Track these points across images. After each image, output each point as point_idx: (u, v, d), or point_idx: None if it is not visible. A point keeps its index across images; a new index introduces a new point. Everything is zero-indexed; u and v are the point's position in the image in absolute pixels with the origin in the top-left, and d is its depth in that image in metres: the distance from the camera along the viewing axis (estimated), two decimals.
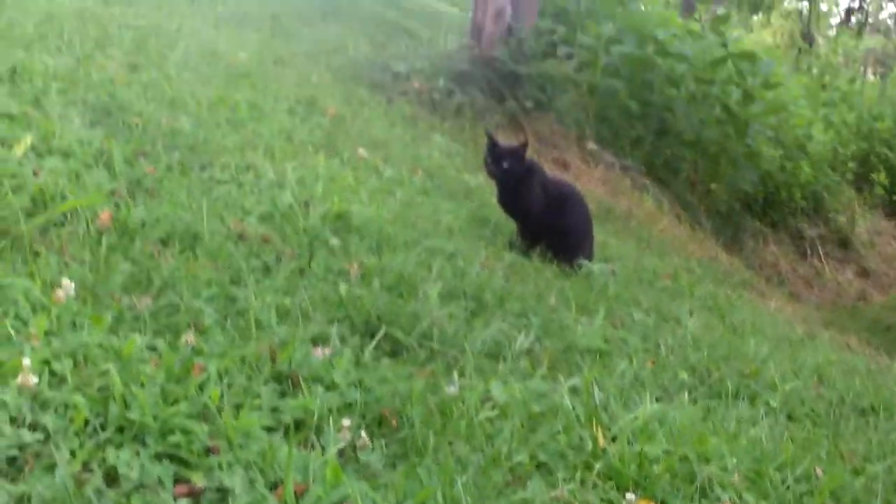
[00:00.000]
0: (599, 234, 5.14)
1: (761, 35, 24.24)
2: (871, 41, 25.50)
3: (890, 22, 28.01)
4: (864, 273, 10.62)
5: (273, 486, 1.72)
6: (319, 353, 2.31)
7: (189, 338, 2.11)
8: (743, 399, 3.09)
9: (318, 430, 1.98)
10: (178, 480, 1.67)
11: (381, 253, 3.33)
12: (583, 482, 2.07)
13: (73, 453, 1.61)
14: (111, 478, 1.61)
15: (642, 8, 9.70)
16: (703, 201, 8.98)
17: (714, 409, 2.85)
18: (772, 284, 8.27)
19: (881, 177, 12.67)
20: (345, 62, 7.46)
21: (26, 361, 1.69)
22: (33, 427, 1.62)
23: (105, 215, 2.59)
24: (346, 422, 2.01)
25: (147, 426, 1.74)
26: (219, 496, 1.67)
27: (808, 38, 20.07)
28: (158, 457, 1.70)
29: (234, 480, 1.70)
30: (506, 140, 5.91)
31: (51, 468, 1.57)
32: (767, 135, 10.00)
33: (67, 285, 2.04)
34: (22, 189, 2.54)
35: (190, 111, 4.02)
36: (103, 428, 1.69)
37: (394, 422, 2.11)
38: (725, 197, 9.31)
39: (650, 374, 3.03)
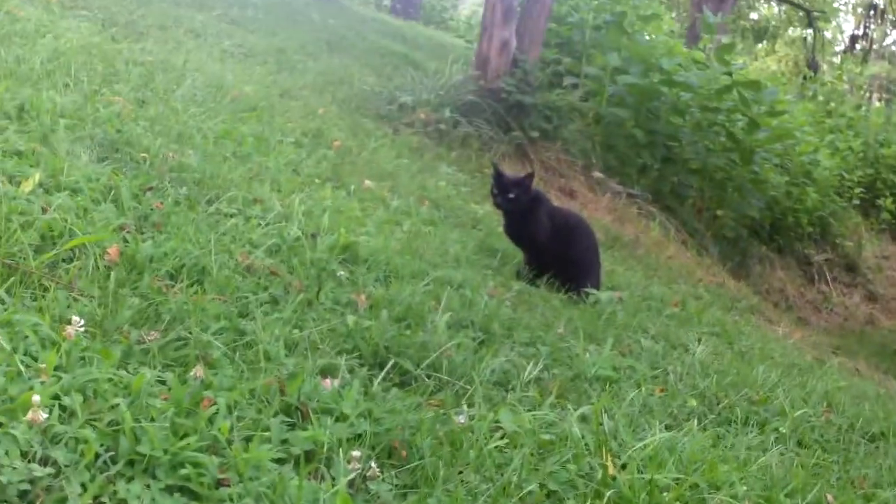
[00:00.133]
0: (607, 262, 5.16)
1: (766, 63, 24.35)
2: (875, 67, 25.57)
3: (895, 48, 28.11)
4: (871, 297, 10.60)
5: None
6: (328, 384, 2.32)
7: (198, 371, 2.12)
8: (752, 426, 3.08)
9: (328, 462, 1.99)
10: None
11: (388, 284, 3.35)
12: None
13: (84, 487, 1.62)
14: None
15: (647, 38, 9.75)
16: (710, 228, 8.99)
17: (724, 437, 2.84)
18: (779, 310, 8.26)
19: (888, 202, 12.68)
20: (350, 94, 7.52)
21: (36, 398, 1.70)
22: (44, 461, 1.63)
23: (113, 250, 2.61)
24: (355, 453, 2.01)
25: (157, 459, 1.75)
26: None
27: (813, 65, 20.13)
28: (169, 490, 1.70)
29: None
30: (512, 170, 5.95)
31: (62, 502, 1.58)
32: (773, 161, 10.02)
33: (77, 321, 2.05)
34: (30, 225, 2.56)
35: (196, 145, 4.05)
36: (114, 462, 1.70)
37: (403, 452, 2.12)
38: (732, 223, 9.32)
39: (659, 402, 3.03)
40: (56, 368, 1.90)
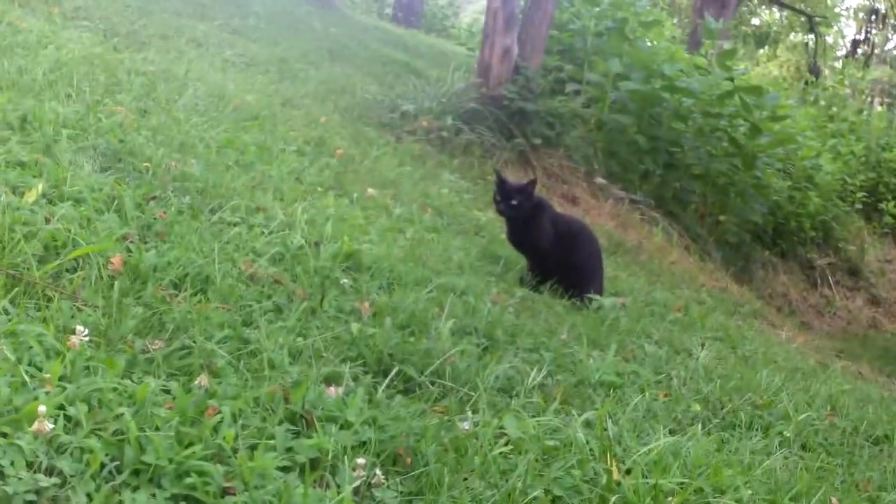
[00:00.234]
0: (609, 268, 5.16)
1: (768, 68, 24.36)
2: (877, 72, 25.59)
3: None
4: (874, 301, 10.60)
5: None
6: (333, 392, 2.32)
7: (203, 380, 2.13)
8: (756, 430, 3.08)
9: (333, 469, 1.99)
10: None
11: (392, 291, 3.35)
12: None
13: (89, 497, 1.62)
14: None
15: (649, 44, 9.77)
16: (713, 233, 8.99)
17: (728, 441, 2.84)
18: (782, 314, 8.26)
19: (890, 206, 12.68)
20: (353, 102, 7.53)
21: (42, 408, 1.70)
22: (49, 471, 1.64)
23: (117, 260, 2.61)
24: (360, 460, 2.01)
25: (162, 469, 1.75)
26: None
27: (815, 70, 20.14)
28: (175, 499, 1.71)
29: None
30: (515, 177, 5.95)
31: None
32: (775, 166, 10.03)
33: (81, 331, 2.05)
34: (34, 236, 2.57)
35: (199, 154, 4.06)
36: (119, 471, 1.71)
37: (408, 459, 2.12)
38: (735, 228, 9.32)
39: (663, 407, 3.03)
40: (61, 378, 1.90)
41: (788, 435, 3.09)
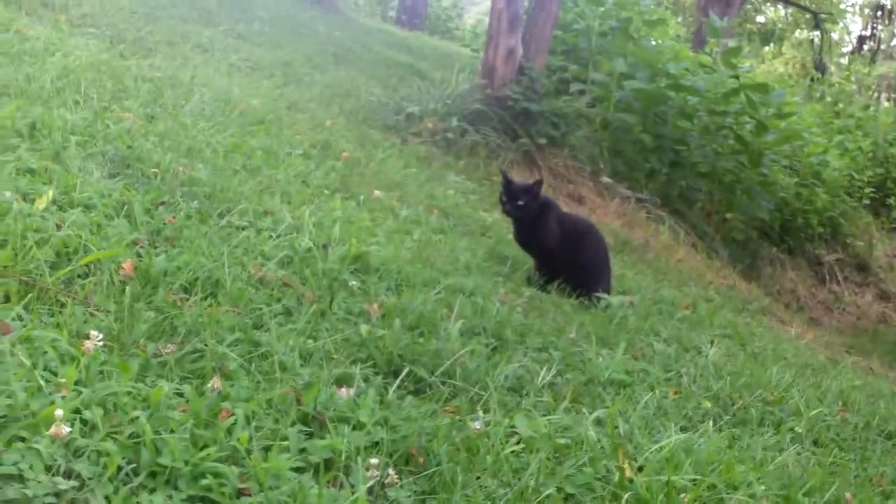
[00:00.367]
0: (617, 267, 5.17)
1: (773, 65, 24.34)
2: (883, 68, 25.56)
3: None
4: (883, 296, 10.59)
5: None
6: (344, 393, 2.34)
7: (215, 383, 2.14)
8: (768, 426, 3.09)
9: (347, 470, 2.01)
10: None
11: (400, 293, 3.37)
12: None
13: (107, 499, 1.64)
14: None
15: (654, 43, 9.78)
16: (720, 230, 8.99)
17: (739, 437, 2.85)
18: (791, 311, 8.26)
19: None
20: (357, 105, 7.55)
21: (59, 412, 1.72)
22: (68, 475, 1.65)
23: (128, 265, 2.63)
24: (373, 460, 2.03)
25: (178, 471, 1.77)
26: None
27: (821, 66, 20.13)
28: (191, 500, 1.73)
29: None
30: (521, 177, 5.96)
31: None
32: (782, 163, 10.03)
33: (95, 336, 2.07)
34: (46, 242, 2.59)
35: (206, 159, 4.08)
36: (136, 474, 1.72)
37: (420, 459, 2.13)
38: (742, 225, 9.32)
39: (673, 404, 3.04)
40: (76, 383, 1.92)
41: (800, 431, 3.09)
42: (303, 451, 2.02)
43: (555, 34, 8.89)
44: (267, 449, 1.96)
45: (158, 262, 2.75)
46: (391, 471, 2.04)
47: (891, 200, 12.76)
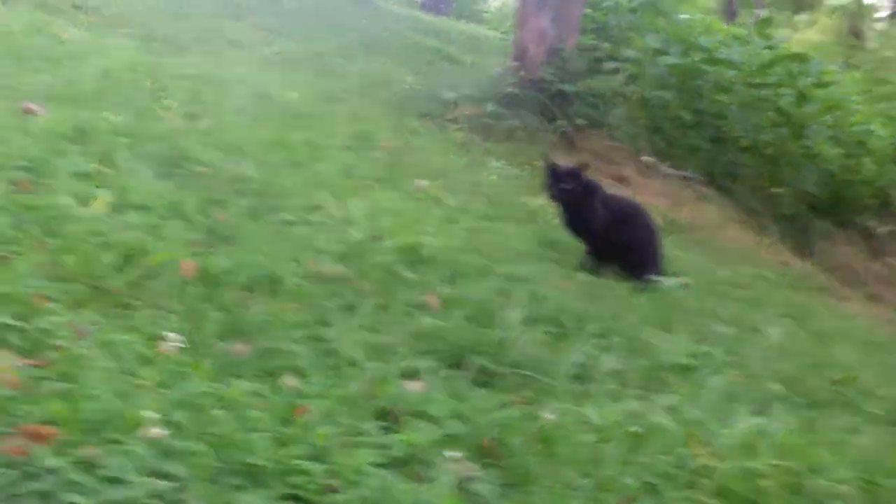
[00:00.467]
0: (666, 248, 5.15)
1: (808, 34, 24.08)
2: None
3: None
4: None
5: None
6: (413, 387, 2.36)
7: (289, 380, 2.17)
8: (840, 407, 3.08)
9: (427, 464, 2.02)
10: None
11: (455, 283, 3.38)
12: (694, 502, 2.09)
13: (202, 499, 1.67)
14: None
15: (684, 17, 9.70)
16: (768, 206, 8.91)
17: (813, 420, 2.84)
18: (849, 286, 8.17)
19: None
20: (392, 94, 7.57)
21: (151, 414, 1.76)
22: (162, 476, 1.68)
23: (190, 265, 2.67)
24: (453, 454, 2.05)
25: (265, 469, 1.80)
26: None
27: (857, 33, 19.89)
28: (282, 498, 1.75)
29: None
30: (561, 160, 5.95)
31: None
32: (825, 134, 9.91)
33: (172, 337, 2.11)
34: (109, 246, 2.63)
35: (250, 155, 4.11)
36: (226, 473, 1.75)
37: (497, 451, 2.15)
38: (789, 200, 9.21)
39: (741, 388, 3.03)
40: (158, 385, 1.96)
41: (877, 411, 3.08)
42: (382, 446, 2.04)
43: (584, 12, 8.84)
44: (347, 445, 1.98)
45: (218, 261, 2.78)
46: (471, 463, 2.06)
47: None
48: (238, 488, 1.74)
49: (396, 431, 2.12)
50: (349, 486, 1.84)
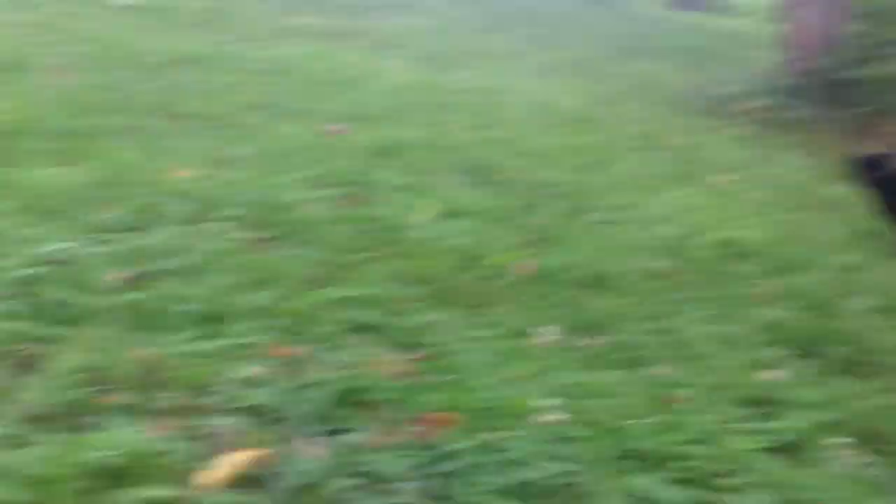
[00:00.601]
0: None
1: None
2: None
3: None
4: None
5: None
6: (773, 375, 2.33)
7: (656, 370, 2.20)
8: None
9: (810, 449, 1.99)
10: None
11: (782, 274, 3.30)
12: None
13: (600, 481, 1.71)
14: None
15: None
16: None
17: None
18: None
19: None
20: (665, 94, 7.50)
21: (541, 402, 1.83)
22: (559, 459, 1.74)
23: (525, 266, 2.76)
24: (836, 440, 2.00)
25: (652, 454, 1.82)
26: None
27: None
28: (675, 482, 1.77)
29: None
30: (852, 149, 5.70)
31: (587, 495, 1.69)
32: None
33: (548, 330, 2.19)
34: (445, 250, 2.76)
35: (550, 161, 4.19)
36: (615, 458, 1.79)
37: (884, 437, 2.08)
38: None
39: None
40: (534, 375, 2.03)
41: None
42: (760, 432, 2.02)
43: None
44: (725, 431, 1.98)
45: (549, 260, 2.85)
46: (856, 450, 2.00)
47: None
48: (629, 472, 1.77)
49: (771, 418, 2.09)
50: (737, 471, 1.83)
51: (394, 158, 3.78)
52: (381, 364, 2.01)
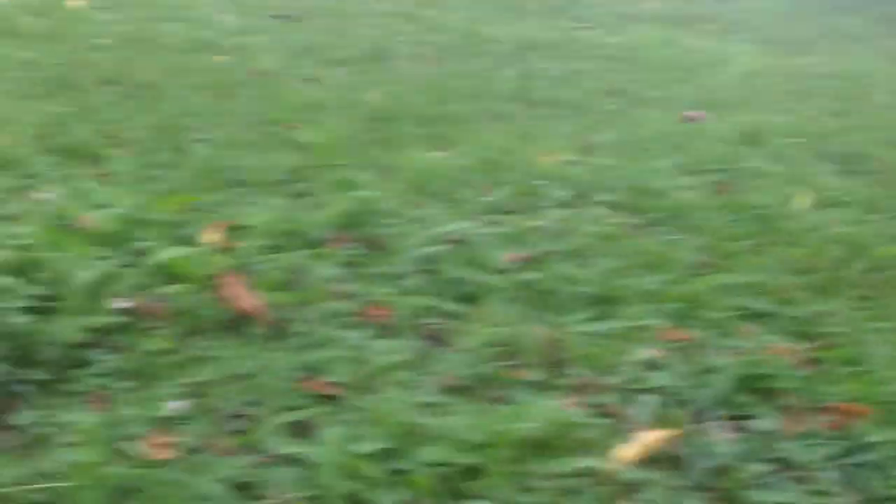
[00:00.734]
0: None
1: None
2: None
3: None
4: None
5: None
6: None
7: None
8: None
9: None
10: None
11: None
12: None
13: None
14: None
15: None
16: None
17: None
18: None
19: None
20: None
21: None
22: None
23: None
24: None
25: None
26: None
27: None
28: None
29: None
30: None
31: None
32: None
33: None
34: (829, 239, 2.69)
35: None
36: None
37: None
38: None
39: None
40: None
41: None
42: None
43: None
44: None
45: None
46: None
47: None
48: None
49: None
50: None
51: (758, 146, 3.73)
52: (779, 352, 2.01)
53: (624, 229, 2.70)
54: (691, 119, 4.14)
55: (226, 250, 2.30)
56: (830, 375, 1.93)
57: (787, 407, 1.82)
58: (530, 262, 2.40)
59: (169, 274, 2.14)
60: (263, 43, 5.18)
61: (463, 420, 1.68)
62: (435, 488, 1.49)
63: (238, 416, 1.69)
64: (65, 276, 2.06)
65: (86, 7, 5.73)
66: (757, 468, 1.63)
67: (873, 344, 2.05)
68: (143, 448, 1.55)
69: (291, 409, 1.71)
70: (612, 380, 1.90)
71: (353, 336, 1.99)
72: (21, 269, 2.06)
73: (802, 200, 3.02)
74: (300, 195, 2.85)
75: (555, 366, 1.93)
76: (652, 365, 1.95)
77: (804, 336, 2.12)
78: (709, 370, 1.93)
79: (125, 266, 2.18)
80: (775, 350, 2.02)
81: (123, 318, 1.97)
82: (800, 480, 1.62)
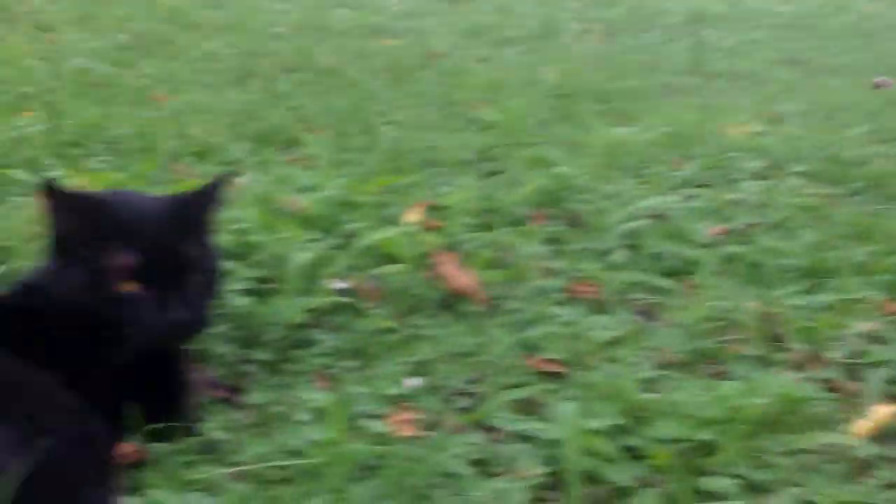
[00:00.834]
0: None
1: None
2: None
3: None
4: None
5: None
6: None
7: None
8: None
9: None
10: None
11: None
12: None
13: None
14: None
15: None
16: None
17: None
18: None
19: None
20: None
21: None
22: None
23: None
24: None
25: None
26: None
27: None
28: None
29: None
30: None
31: None
32: None
33: None
34: None
35: None
36: None
37: None
38: None
39: None
40: None
41: None
42: None
43: None
44: None
45: None
46: None
47: None
48: None
49: None
50: None
51: None
52: None
53: (824, 200, 2.63)
54: (881, 86, 3.99)
55: (432, 230, 2.34)
56: None
57: None
58: (734, 236, 2.37)
59: (380, 255, 2.20)
60: (432, 25, 5.24)
61: (689, 395, 1.67)
62: (672, 465, 1.49)
63: (463, 394, 1.73)
64: (282, 259, 2.13)
65: None
66: None
67: None
68: (383, 425, 1.59)
69: (516, 385, 1.73)
70: (834, 354, 1.86)
71: (565, 312, 2.00)
72: (240, 253, 2.15)
73: None
74: (492, 173, 2.88)
75: (772, 340, 1.91)
76: (873, 338, 1.90)
77: None
78: None
79: (336, 248, 2.24)
80: None
81: (341, 299, 2.03)
82: None
